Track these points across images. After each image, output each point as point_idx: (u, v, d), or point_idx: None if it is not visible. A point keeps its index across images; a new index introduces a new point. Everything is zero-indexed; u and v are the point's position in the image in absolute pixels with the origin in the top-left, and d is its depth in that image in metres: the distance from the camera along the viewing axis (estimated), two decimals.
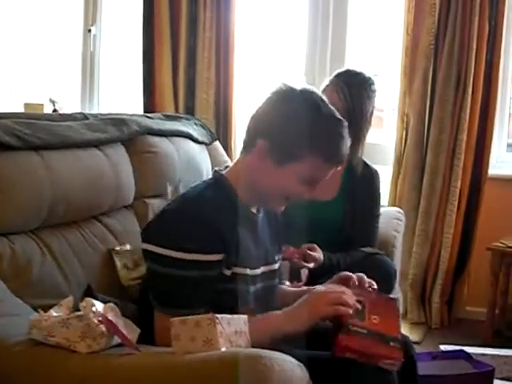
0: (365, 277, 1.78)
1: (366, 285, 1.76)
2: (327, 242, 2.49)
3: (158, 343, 1.55)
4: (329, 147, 1.63)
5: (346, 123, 1.68)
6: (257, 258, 1.73)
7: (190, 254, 1.53)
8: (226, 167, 1.82)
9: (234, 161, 1.79)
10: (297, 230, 2.40)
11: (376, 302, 1.68)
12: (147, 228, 1.66)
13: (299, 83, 1.70)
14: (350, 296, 1.59)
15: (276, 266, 1.85)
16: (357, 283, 1.73)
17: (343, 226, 2.54)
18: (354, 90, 2.51)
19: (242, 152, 1.73)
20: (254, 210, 1.75)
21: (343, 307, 1.56)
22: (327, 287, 1.65)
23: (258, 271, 1.73)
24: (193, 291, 1.55)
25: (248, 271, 1.66)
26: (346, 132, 1.67)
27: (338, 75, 2.58)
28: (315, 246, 2.33)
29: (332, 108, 1.67)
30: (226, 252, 1.58)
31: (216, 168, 1.82)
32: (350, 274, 1.78)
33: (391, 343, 1.57)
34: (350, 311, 1.56)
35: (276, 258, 1.86)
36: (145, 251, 1.62)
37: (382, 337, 1.57)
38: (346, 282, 1.74)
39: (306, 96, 1.66)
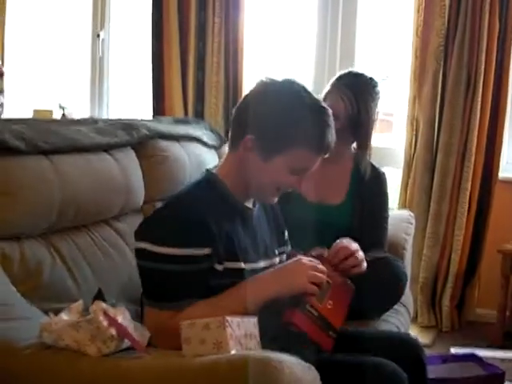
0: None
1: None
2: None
3: (152, 338, 1.54)
4: (314, 137, 1.64)
5: (330, 110, 1.69)
6: (255, 252, 1.73)
7: (177, 249, 1.54)
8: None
9: (223, 157, 1.80)
10: (305, 234, 2.39)
11: (338, 287, 1.72)
12: (138, 228, 1.66)
13: (281, 76, 1.72)
14: (323, 276, 1.61)
15: (277, 259, 1.84)
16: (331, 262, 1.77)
17: (352, 228, 2.53)
18: (359, 93, 2.48)
19: (229, 147, 1.74)
20: (249, 205, 1.75)
21: (315, 287, 1.58)
22: (309, 261, 1.64)
23: (259, 265, 1.73)
24: (181, 284, 1.55)
25: (243, 265, 1.65)
26: (330, 120, 1.67)
27: (340, 78, 2.54)
28: (323, 251, 2.32)
29: (315, 97, 1.68)
30: (214, 246, 1.58)
31: (207, 167, 1.83)
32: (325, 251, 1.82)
33: (330, 333, 1.63)
34: (317, 292, 1.59)
35: (276, 251, 1.86)
36: (135, 250, 1.63)
37: (327, 325, 1.62)
38: (320, 258, 1.75)
39: (289, 87, 1.67)
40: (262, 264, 1.75)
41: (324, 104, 1.69)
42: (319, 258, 1.76)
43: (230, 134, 1.74)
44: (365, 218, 2.56)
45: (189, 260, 1.54)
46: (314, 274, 1.59)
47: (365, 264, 1.87)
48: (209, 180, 1.71)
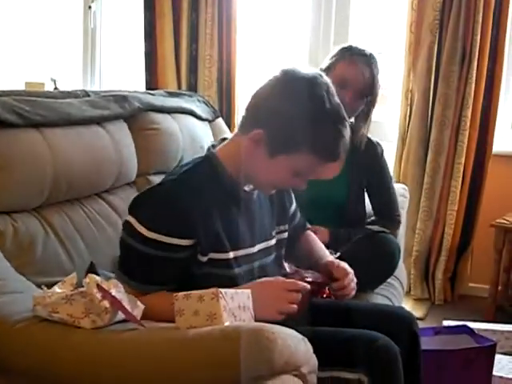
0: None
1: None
2: (333, 218, 2.51)
3: None
4: (327, 145, 1.59)
5: (348, 122, 1.64)
6: (252, 236, 1.72)
7: (157, 235, 1.53)
8: (223, 139, 1.78)
9: (230, 137, 1.75)
10: (303, 208, 2.41)
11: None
12: (132, 201, 1.64)
13: (307, 68, 1.64)
14: (295, 307, 1.54)
15: (273, 241, 1.83)
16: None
17: (349, 201, 2.56)
18: (371, 61, 2.49)
19: (239, 128, 1.70)
20: (247, 188, 1.72)
21: (291, 308, 1.53)
22: (280, 287, 1.57)
23: (253, 250, 1.72)
24: (153, 270, 1.55)
25: (231, 255, 1.63)
26: (346, 131, 1.61)
27: (347, 49, 2.52)
28: (318, 228, 2.32)
29: (338, 102, 1.61)
30: (197, 238, 1.56)
31: (212, 142, 1.81)
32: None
33: None
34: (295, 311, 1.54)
35: (274, 232, 1.85)
36: (124, 221, 1.62)
37: None
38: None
39: (313, 88, 1.58)
40: (257, 248, 1.74)
41: (343, 113, 1.61)
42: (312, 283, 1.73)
43: (244, 115, 1.69)
44: (368, 190, 2.62)
45: (166, 248, 1.53)
46: (287, 307, 1.53)
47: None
48: (208, 160, 1.68)
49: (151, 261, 1.54)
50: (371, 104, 2.53)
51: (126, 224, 1.58)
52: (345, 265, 1.79)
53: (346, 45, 2.58)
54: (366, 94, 2.49)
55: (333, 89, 1.61)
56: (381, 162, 2.64)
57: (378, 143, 2.66)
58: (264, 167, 1.63)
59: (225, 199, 1.65)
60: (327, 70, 2.47)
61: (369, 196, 2.66)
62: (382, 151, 2.66)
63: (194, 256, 1.58)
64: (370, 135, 2.63)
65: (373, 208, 2.67)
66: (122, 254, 1.61)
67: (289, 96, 1.58)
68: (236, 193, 1.68)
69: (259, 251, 1.74)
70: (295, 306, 1.54)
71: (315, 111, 1.56)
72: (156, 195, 1.60)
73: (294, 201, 1.97)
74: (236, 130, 1.73)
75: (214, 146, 1.74)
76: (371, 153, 2.62)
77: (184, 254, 1.56)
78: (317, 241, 2.00)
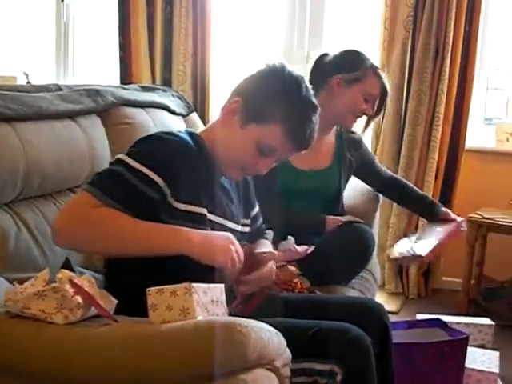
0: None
1: None
2: (326, 209, 2.53)
3: (59, 212, 1.59)
4: (295, 124, 1.68)
5: (318, 111, 1.73)
6: (222, 211, 1.74)
7: (137, 163, 1.56)
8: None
9: (209, 124, 1.85)
10: (298, 200, 2.44)
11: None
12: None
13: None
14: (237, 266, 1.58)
15: (239, 228, 1.84)
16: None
17: (339, 189, 2.60)
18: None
19: (222, 107, 1.77)
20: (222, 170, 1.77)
21: (229, 272, 1.56)
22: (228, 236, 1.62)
23: (227, 224, 1.75)
24: (123, 190, 1.55)
25: (206, 212, 1.66)
26: (315, 119, 1.72)
27: (364, 60, 2.56)
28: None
29: (312, 94, 1.72)
30: (173, 182, 1.59)
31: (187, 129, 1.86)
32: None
33: None
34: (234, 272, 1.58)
35: (241, 221, 1.87)
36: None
37: None
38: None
39: (294, 75, 1.71)
40: (229, 224, 1.76)
41: (316, 102, 1.72)
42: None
43: (226, 100, 1.77)
44: (360, 174, 2.77)
45: (140, 176, 1.55)
46: (234, 259, 1.56)
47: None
48: (192, 136, 1.73)
49: (122, 180, 1.55)
50: (378, 114, 2.67)
51: (114, 159, 1.62)
52: (273, 253, 1.80)
53: (357, 49, 2.63)
54: (380, 108, 2.61)
55: (310, 87, 1.73)
56: (363, 145, 2.79)
57: (353, 130, 2.77)
58: (234, 139, 1.70)
59: (203, 166, 1.69)
60: (353, 81, 2.51)
61: (364, 178, 2.82)
62: (360, 136, 2.79)
63: (165, 204, 1.59)
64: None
65: (376, 184, 2.85)
66: (98, 174, 1.62)
67: (272, 76, 1.71)
68: (211, 166, 1.72)
69: (231, 229, 1.75)
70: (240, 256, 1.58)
71: (292, 93, 1.68)
72: (149, 140, 1.65)
73: (256, 205, 1.98)
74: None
75: (187, 129, 1.82)
76: (355, 141, 2.74)
77: (153, 194, 1.57)
78: (265, 245, 1.97)
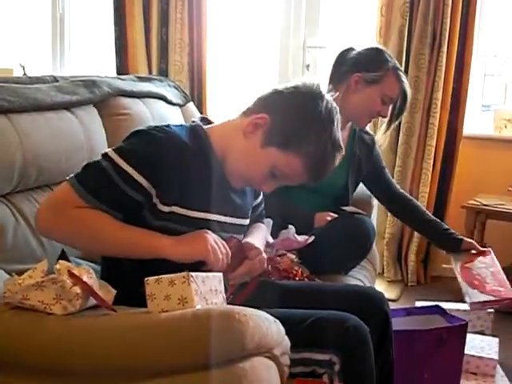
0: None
1: None
2: (331, 206, 2.53)
3: (42, 206, 1.57)
4: (318, 162, 1.63)
5: (342, 152, 1.68)
6: (223, 207, 1.71)
7: (124, 163, 1.53)
8: (205, 118, 1.80)
9: (224, 121, 1.76)
10: (306, 196, 2.43)
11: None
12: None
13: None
14: (223, 253, 1.58)
15: (246, 221, 1.83)
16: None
17: (347, 186, 2.59)
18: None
19: (243, 112, 1.70)
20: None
21: (212, 261, 1.54)
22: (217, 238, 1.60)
23: (224, 219, 1.71)
24: (108, 191, 1.54)
25: (194, 214, 1.62)
26: (338, 159, 1.67)
27: (386, 60, 2.54)
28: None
29: (339, 134, 1.65)
30: (160, 186, 1.56)
31: (193, 119, 1.79)
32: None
33: None
34: (222, 264, 1.56)
35: (248, 214, 1.85)
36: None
37: None
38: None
39: (329, 107, 1.63)
40: (229, 220, 1.74)
41: (342, 144, 1.67)
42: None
43: (254, 101, 1.70)
44: (368, 179, 2.73)
45: (126, 178, 1.53)
46: (215, 247, 1.55)
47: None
48: (196, 132, 1.68)
49: (107, 179, 1.53)
50: (398, 117, 2.65)
51: (104, 152, 1.59)
52: (258, 247, 1.76)
53: (382, 48, 2.64)
54: (400, 111, 2.61)
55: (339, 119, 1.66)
56: (376, 149, 2.75)
57: (369, 132, 2.78)
58: (249, 154, 1.64)
59: (201, 165, 1.64)
60: (371, 82, 2.49)
61: (370, 186, 2.77)
62: (374, 139, 2.76)
63: (149, 205, 1.57)
64: None
65: (385, 198, 2.80)
66: (85, 168, 1.59)
67: (307, 106, 1.62)
68: (213, 164, 1.67)
69: (232, 225, 1.74)
70: (220, 246, 1.56)
71: (325, 131, 1.61)
72: (140, 136, 1.60)
73: (261, 194, 1.96)
74: (237, 116, 1.73)
75: (194, 122, 1.75)
76: (367, 142, 2.72)
77: (137, 197, 1.55)
78: (259, 228, 1.96)
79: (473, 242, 2.72)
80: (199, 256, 1.53)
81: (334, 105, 1.66)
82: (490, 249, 2.67)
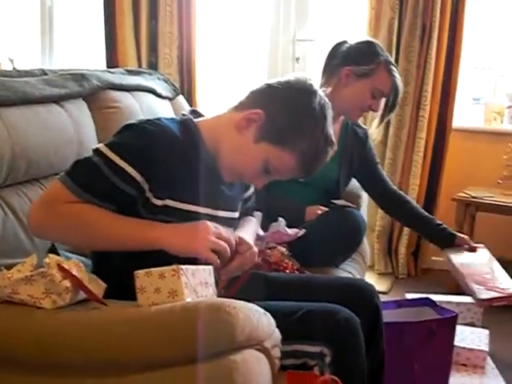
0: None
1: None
2: (323, 200, 2.53)
3: (34, 205, 1.56)
4: (311, 158, 1.64)
5: (335, 147, 1.68)
6: (215, 200, 1.71)
7: (117, 157, 1.53)
8: (195, 111, 1.79)
9: (215, 115, 1.76)
10: (297, 189, 2.43)
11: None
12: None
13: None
14: (225, 245, 1.56)
15: (237, 214, 1.83)
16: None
17: (339, 180, 2.58)
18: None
19: (236, 106, 1.70)
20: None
21: (214, 256, 1.54)
22: (215, 227, 1.58)
23: (217, 213, 1.71)
24: (100, 186, 1.53)
25: (187, 207, 1.61)
26: (330, 154, 1.68)
27: (378, 54, 2.52)
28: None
29: (331, 130, 1.66)
30: (153, 179, 1.55)
31: (184, 112, 1.79)
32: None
33: None
34: (216, 263, 1.55)
35: (237, 204, 1.85)
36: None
37: None
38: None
39: (323, 104, 1.65)
40: (221, 214, 1.73)
41: (334, 138, 1.68)
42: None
43: (247, 95, 1.70)
44: (360, 174, 2.72)
45: (117, 171, 1.52)
46: (215, 241, 1.54)
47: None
48: (186, 126, 1.68)
49: (99, 174, 1.52)
50: (391, 112, 2.62)
51: (95, 148, 1.58)
52: (249, 242, 1.74)
53: (374, 41, 2.61)
54: (393, 105, 2.58)
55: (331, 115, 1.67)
56: (369, 144, 2.74)
57: (362, 126, 2.77)
58: (243, 149, 1.64)
59: (193, 159, 1.63)
60: (362, 75, 2.48)
61: (362, 180, 2.76)
62: (367, 133, 2.76)
63: (143, 199, 1.57)
64: None
65: (373, 192, 2.78)
66: (76, 164, 1.57)
67: (302, 103, 1.63)
68: (205, 158, 1.66)
69: (224, 218, 1.73)
70: (224, 244, 1.56)
71: (318, 127, 1.62)
72: (132, 129, 1.59)
73: (252, 187, 1.95)
74: (229, 109, 1.73)
75: (184, 115, 1.74)
76: (360, 136, 2.71)
77: (130, 190, 1.54)
78: (249, 222, 1.96)
79: (466, 237, 2.71)
80: (198, 255, 1.52)
81: (327, 100, 1.67)
82: (482, 245, 2.67)
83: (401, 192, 2.81)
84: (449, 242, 2.67)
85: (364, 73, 2.48)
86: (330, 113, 1.67)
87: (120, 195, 1.54)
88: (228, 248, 1.57)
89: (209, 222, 1.58)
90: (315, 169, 1.68)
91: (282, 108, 1.62)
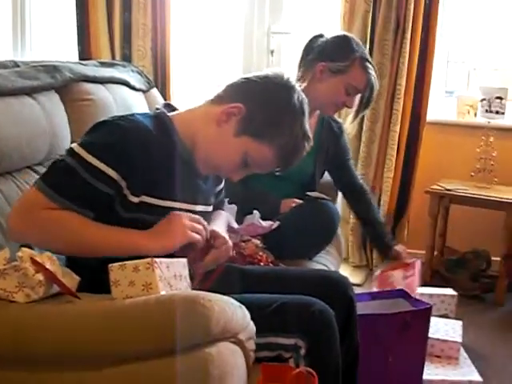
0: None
1: None
2: (298, 194, 2.53)
3: (12, 211, 1.55)
4: (289, 152, 1.67)
5: (311, 143, 1.71)
6: (193, 195, 1.71)
7: (91, 156, 1.51)
8: (168, 104, 1.78)
9: (189, 108, 1.75)
10: (273, 183, 2.42)
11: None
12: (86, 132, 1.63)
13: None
14: (201, 228, 1.60)
15: (210, 208, 1.84)
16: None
17: (314, 174, 2.58)
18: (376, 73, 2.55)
19: (213, 99, 1.71)
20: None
21: (197, 236, 1.57)
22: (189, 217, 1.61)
23: (196, 208, 1.71)
24: (77, 189, 1.52)
25: (163, 203, 1.61)
26: (307, 149, 1.71)
27: (354, 49, 2.49)
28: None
29: (307, 125, 1.69)
30: (128, 175, 1.55)
31: (157, 106, 1.78)
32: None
33: None
34: (201, 242, 1.59)
35: (212, 199, 1.85)
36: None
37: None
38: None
39: (301, 99, 1.68)
40: (199, 208, 1.74)
41: (310, 134, 1.71)
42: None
43: (224, 89, 1.70)
44: (331, 166, 2.71)
45: (94, 171, 1.51)
46: (192, 225, 1.57)
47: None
48: (160, 120, 1.67)
49: (75, 176, 1.51)
50: (366, 108, 2.61)
51: (68, 149, 1.57)
52: (223, 235, 1.75)
53: (350, 36, 2.57)
54: (368, 102, 2.56)
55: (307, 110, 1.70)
56: (343, 138, 2.74)
57: (338, 120, 2.76)
58: (222, 142, 1.65)
59: (168, 153, 1.63)
60: (336, 72, 2.47)
61: (332, 171, 2.76)
62: (342, 127, 2.75)
63: (120, 197, 1.56)
64: None
65: (340, 182, 2.79)
66: (51, 169, 1.56)
67: (281, 98, 1.65)
68: (182, 154, 1.66)
69: (201, 212, 1.73)
70: (200, 226, 1.59)
71: (297, 122, 1.65)
72: (105, 127, 1.58)
73: (223, 181, 1.95)
74: (204, 102, 1.73)
75: (158, 109, 1.73)
76: (335, 130, 2.71)
77: (107, 190, 1.53)
78: (220, 215, 1.95)
79: (402, 252, 2.71)
80: (182, 242, 1.54)
81: (304, 96, 1.69)
82: (418, 261, 2.65)
83: (366, 190, 2.81)
84: (385, 252, 2.71)
85: (338, 69, 2.47)
86: (307, 108, 1.69)
87: (97, 196, 1.53)
88: (204, 231, 1.59)
89: (180, 212, 1.59)
90: (293, 163, 1.71)
91: (262, 103, 1.64)
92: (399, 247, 2.74)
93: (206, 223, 1.64)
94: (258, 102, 1.64)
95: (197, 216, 1.62)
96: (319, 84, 2.49)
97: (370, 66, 2.51)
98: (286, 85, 1.67)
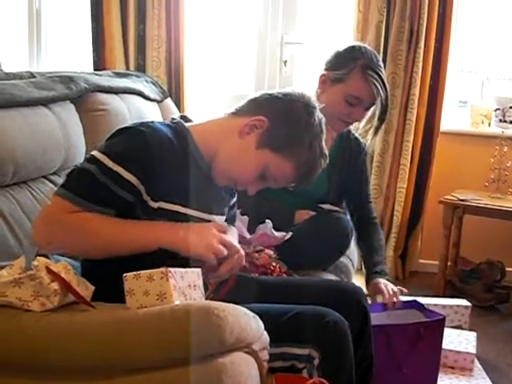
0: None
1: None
2: (312, 207, 2.50)
3: (35, 223, 1.57)
4: (308, 169, 1.70)
5: (327, 160, 1.74)
6: (208, 205, 1.73)
7: (111, 162, 1.53)
8: (183, 117, 1.79)
9: (207, 120, 1.77)
10: (287, 199, 2.40)
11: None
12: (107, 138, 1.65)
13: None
14: (224, 250, 1.60)
15: (224, 218, 1.84)
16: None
17: (328, 192, 2.54)
18: (383, 76, 2.39)
19: (234, 111, 1.73)
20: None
21: (212, 258, 1.57)
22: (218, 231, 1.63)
23: (211, 217, 1.73)
24: (99, 192, 1.53)
25: (182, 209, 1.63)
26: (321, 167, 1.74)
27: (357, 59, 2.34)
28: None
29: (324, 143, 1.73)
30: (147, 181, 1.56)
31: (173, 116, 1.79)
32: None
33: None
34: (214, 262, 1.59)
35: (225, 209, 1.86)
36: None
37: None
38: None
39: (321, 117, 1.72)
40: (213, 218, 1.74)
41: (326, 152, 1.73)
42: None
43: (246, 102, 1.73)
44: (345, 188, 2.58)
45: (114, 176, 1.52)
46: (218, 248, 1.58)
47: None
48: (177, 128, 1.69)
49: (96, 182, 1.52)
50: (383, 121, 2.46)
51: (89, 156, 1.58)
52: (236, 245, 1.73)
53: (357, 45, 2.43)
54: (382, 114, 2.42)
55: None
56: (361, 158, 2.61)
57: (358, 138, 2.61)
58: (243, 154, 1.67)
59: (186, 163, 1.65)
60: (337, 80, 2.35)
61: (345, 194, 2.63)
62: (366, 151, 2.63)
63: (140, 202, 1.57)
64: None
65: (349, 206, 2.66)
66: (71, 175, 1.58)
67: (305, 115, 1.69)
68: (198, 163, 1.68)
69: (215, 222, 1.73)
70: (224, 249, 1.59)
71: (318, 140, 1.70)
72: (126, 133, 1.60)
73: (235, 195, 1.96)
74: (224, 114, 1.75)
75: (174, 120, 1.74)
76: (352, 148, 2.59)
77: (128, 195, 1.55)
78: (231, 231, 1.92)
79: (381, 289, 2.35)
80: (199, 257, 1.55)
81: (322, 115, 1.73)
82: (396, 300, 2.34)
83: (374, 214, 2.69)
84: (366, 282, 2.51)
85: (338, 78, 2.34)
86: (324, 127, 1.73)
87: (119, 201, 1.55)
88: (225, 252, 1.60)
89: (215, 228, 1.62)
90: (309, 179, 1.74)
91: (286, 118, 1.67)
92: (383, 284, 2.39)
93: (237, 248, 1.66)
94: (282, 117, 1.67)
95: (229, 240, 1.63)
96: (322, 96, 2.36)
97: (373, 74, 2.34)
98: (308, 104, 1.70)
